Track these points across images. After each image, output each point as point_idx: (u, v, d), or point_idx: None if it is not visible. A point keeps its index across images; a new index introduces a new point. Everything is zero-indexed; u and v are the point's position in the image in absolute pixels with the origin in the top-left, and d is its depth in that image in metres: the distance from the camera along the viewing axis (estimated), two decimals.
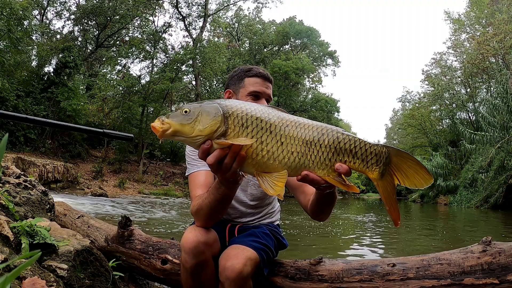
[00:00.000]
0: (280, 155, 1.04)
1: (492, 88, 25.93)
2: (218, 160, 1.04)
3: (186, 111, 1.03)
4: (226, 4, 30.34)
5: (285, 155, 1.04)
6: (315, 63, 37.17)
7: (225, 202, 1.37)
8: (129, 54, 23.87)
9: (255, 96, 1.69)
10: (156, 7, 25.32)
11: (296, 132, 1.05)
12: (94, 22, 24.11)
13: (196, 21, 28.08)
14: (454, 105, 31.41)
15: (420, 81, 41.32)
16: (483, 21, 30.47)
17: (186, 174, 1.70)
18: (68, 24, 25.90)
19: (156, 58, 25.66)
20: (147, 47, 24.21)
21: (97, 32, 24.52)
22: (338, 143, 1.07)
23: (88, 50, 25.77)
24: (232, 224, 1.73)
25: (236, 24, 35.28)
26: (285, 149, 1.04)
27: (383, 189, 1.11)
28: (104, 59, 27.71)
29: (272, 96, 1.77)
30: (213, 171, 1.12)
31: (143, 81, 24.09)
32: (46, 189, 2.25)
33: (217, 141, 1.02)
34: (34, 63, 21.49)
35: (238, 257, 1.38)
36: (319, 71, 38.82)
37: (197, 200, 1.47)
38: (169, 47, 26.72)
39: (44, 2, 22.99)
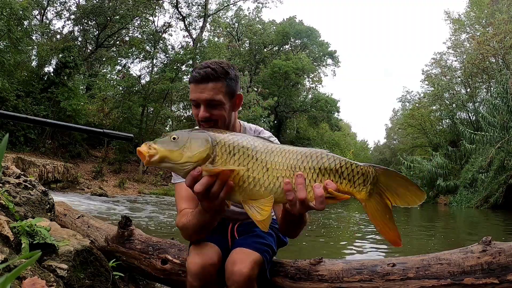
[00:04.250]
0: (266, 181, 1.04)
1: (492, 88, 25.90)
2: (206, 188, 1.03)
3: (174, 138, 1.04)
4: (226, 4, 30.32)
5: (270, 180, 1.04)
6: (315, 63, 37.13)
7: (208, 227, 1.41)
8: (129, 54, 23.88)
9: (195, 106, 1.48)
10: (156, 7, 25.30)
11: (281, 158, 1.06)
12: (94, 22, 24.08)
13: (196, 21, 28.07)
14: (454, 105, 31.38)
15: (420, 81, 41.26)
16: (483, 21, 30.43)
17: (172, 182, 1.70)
18: (68, 24, 25.81)
19: (156, 58, 25.65)
20: (147, 47, 24.20)
21: (97, 32, 24.49)
22: (322, 164, 1.06)
23: (88, 50, 25.75)
24: (232, 223, 1.74)
25: (236, 24, 35.24)
26: (271, 175, 1.04)
27: (372, 210, 1.10)
28: (104, 59, 27.69)
29: (216, 98, 1.42)
30: (200, 199, 1.10)
31: (143, 81, 24.10)
32: (46, 189, 2.25)
33: (207, 168, 1.02)
34: (34, 63, 21.51)
35: (244, 261, 1.40)
36: (319, 71, 38.79)
37: (182, 217, 1.49)
38: (169, 47, 26.70)
39: (44, 2, 22.96)
